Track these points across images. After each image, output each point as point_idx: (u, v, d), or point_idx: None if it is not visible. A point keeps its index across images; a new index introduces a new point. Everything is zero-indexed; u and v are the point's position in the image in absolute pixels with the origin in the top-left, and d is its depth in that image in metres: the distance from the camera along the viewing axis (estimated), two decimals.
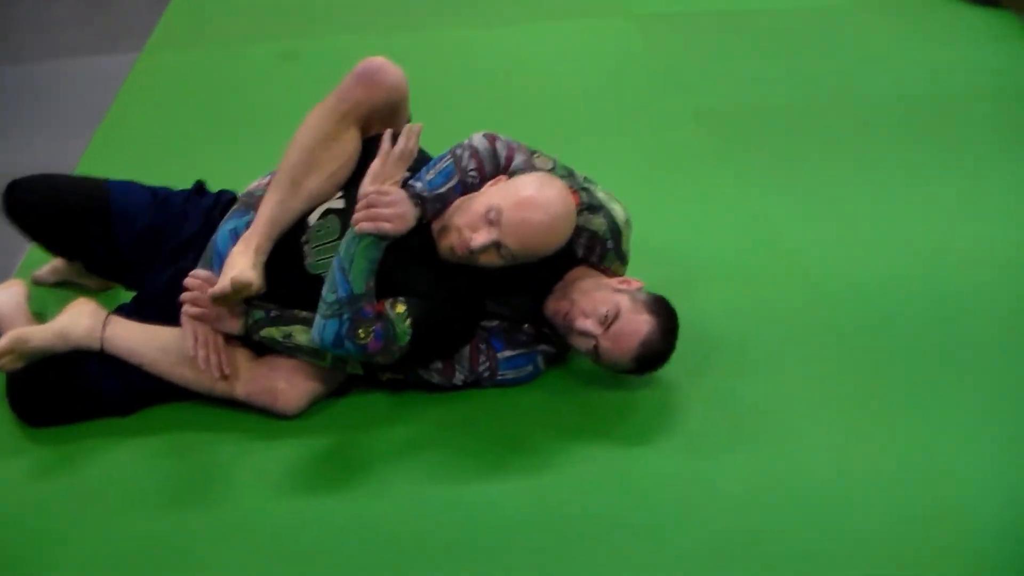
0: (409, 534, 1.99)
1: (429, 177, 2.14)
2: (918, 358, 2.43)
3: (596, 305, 2.15)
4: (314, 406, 2.22)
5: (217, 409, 2.22)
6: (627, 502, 2.06)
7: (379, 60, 2.21)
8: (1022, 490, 2.08)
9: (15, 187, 2.30)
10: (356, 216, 2.03)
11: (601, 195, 2.25)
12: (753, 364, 2.42)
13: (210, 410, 2.22)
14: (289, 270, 2.19)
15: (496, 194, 2.10)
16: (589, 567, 1.93)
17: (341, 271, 2.04)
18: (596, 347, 2.16)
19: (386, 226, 2.02)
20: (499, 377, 2.27)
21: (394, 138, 2.09)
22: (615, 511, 2.04)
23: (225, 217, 2.25)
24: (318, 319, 2.07)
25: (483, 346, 2.26)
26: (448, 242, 2.11)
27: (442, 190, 2.13)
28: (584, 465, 2.15)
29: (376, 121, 2.24)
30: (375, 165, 2.06)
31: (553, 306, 2.22)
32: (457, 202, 2.16)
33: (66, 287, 2.58)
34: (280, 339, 2.14)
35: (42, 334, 2.16)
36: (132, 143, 3.32)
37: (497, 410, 2.26)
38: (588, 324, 2.14)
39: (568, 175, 2.24)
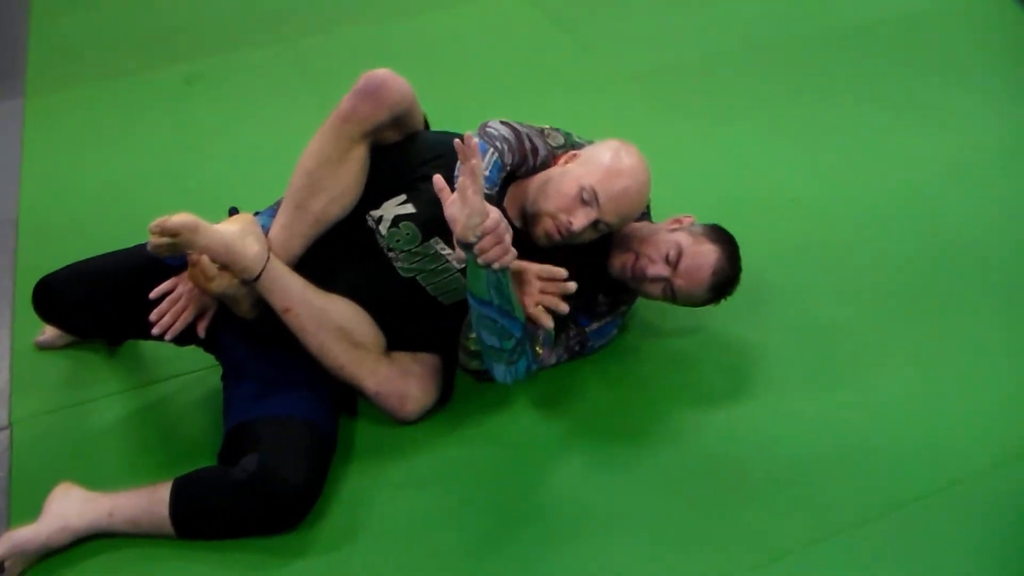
0: None
1: (487, 174, 2.05)
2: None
3: (659, 248, 2.19)
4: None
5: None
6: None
7: (382, 73, 2.07)
8: None
9: (48, 289, 2.12)
10: (490, 255, 1.84)
11: None
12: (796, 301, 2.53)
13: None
14: (386, 278, 2.11)
15: (580, 173, 2.08)
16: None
17: (504, 314, 1.94)
18: (671, 288, 2.19)
19: (513, 249, 1.90)
20: (589, 347, 2.30)
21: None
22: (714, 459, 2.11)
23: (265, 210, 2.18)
24: (502, 368, 2.01)
25: (571, 324, 2.26)
26: (543, 228, 2.09)
27: (498, 184, 2.09)
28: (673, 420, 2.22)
29: (387, 135, 2.15)
30: (474, 201, 1.82)
31: (619, 263, 2.24)
32: (534, 186, 2.13)
33: (76, 346, 2.38)
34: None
35: (209, 236, 1.94)
36: (68, 191, 3.06)
37: (588, 400, 2.28)
38: (658, 269, 2.18)
39: (577, 143, 2.28)
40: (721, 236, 2.25)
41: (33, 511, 1.94)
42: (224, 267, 1.98)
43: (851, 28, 3.89)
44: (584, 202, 2.05)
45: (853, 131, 3.24)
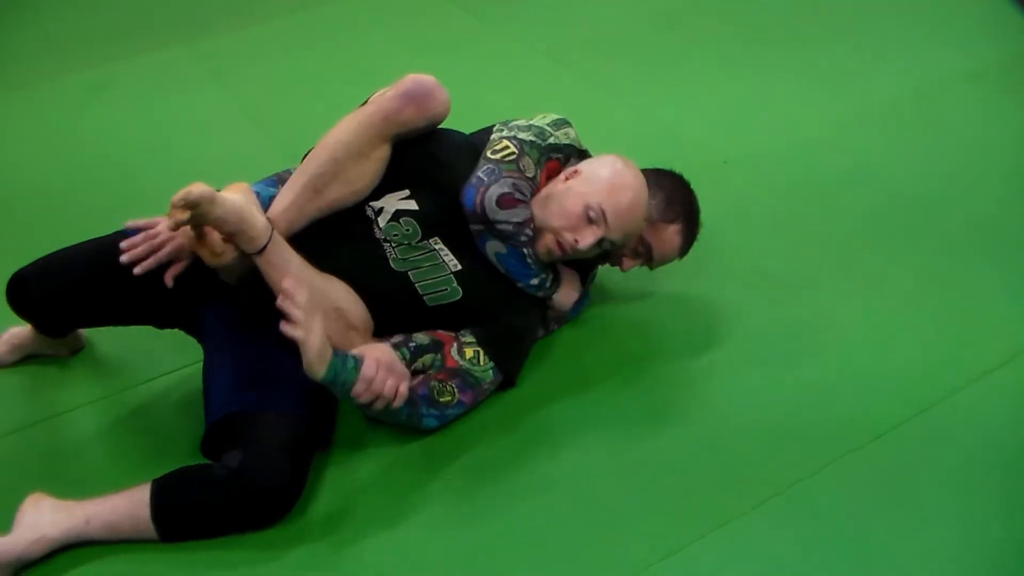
0: None
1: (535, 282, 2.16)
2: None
3: (629, 246, 2.26)
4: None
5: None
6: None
7: (429, 80, 2.07)
8: None
9: (22, 283, 2.05)
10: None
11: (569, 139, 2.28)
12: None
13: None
14: (377, 269, 2.09)
15: (586, 192, 2.10)
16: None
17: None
18: (648, 264, 2.34)
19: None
20: (566, 319, 2.36)
21: None
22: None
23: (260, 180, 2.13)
24: (411, 424, 2.05)
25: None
26: (544, 244, 2.11)
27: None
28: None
29: (407, 135, 2.12)
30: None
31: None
32: (537, 203, 2.13)
33: (28, 363, 2.30)
34: None
35: (224, 205, 1.86)
36: None
37: (564, 365, 2.31)
38: (634, 262, 2.33)
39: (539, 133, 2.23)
40: (676, 210, 2.27)
41: (4, 525, 1.88)
42: (229, 238, 1.93)
43: None
44: (590, 220, 2.08)
45: (766, 91, 3.37)
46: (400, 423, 2.05)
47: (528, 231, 2.09)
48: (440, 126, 2.17)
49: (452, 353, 2.09)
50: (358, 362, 1.92)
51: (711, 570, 1.84)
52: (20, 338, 2.28)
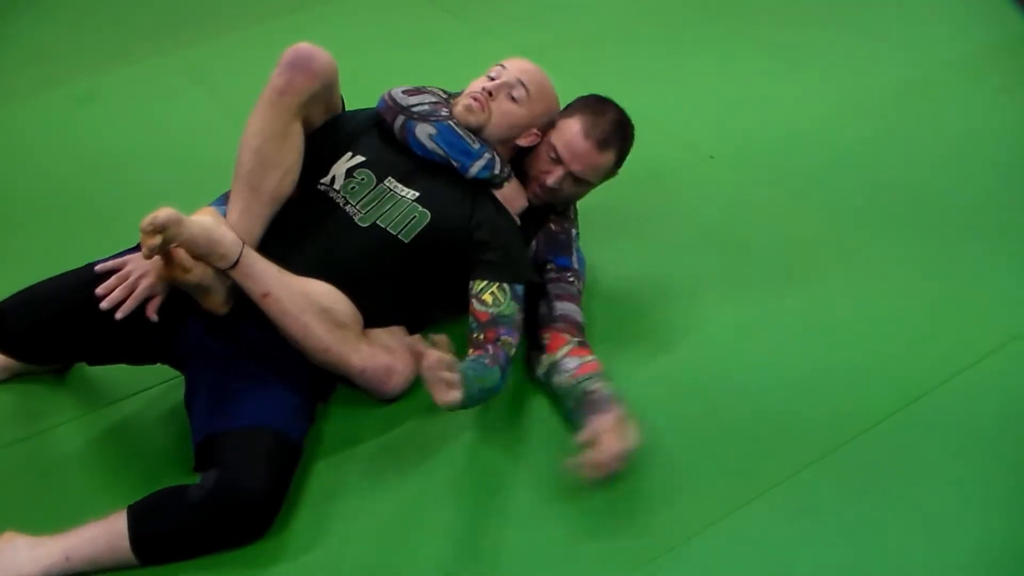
0: None
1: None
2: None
3: (541, 158, 2.30)
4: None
5: None
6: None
7: (306, 45, 2.12)
8: None
9: (1, 316, 2.03)
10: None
11: None
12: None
13: None
14: (348, 234, 2.13)
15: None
16: None
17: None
18: (576, 177, 2.29)
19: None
20: (583, 275, 2.37)
21: None
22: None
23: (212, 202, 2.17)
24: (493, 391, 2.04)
25: (562, 272, 2.32)
26: (459, 102, 2.24)
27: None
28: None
29: (315, 110, 2.18)
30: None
31: (530, 193, 2.33)
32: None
33: (17, 380, 2.28)
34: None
35: (191, 228, 1.91)
36: None
37: None
38: (554, 173, 2.28)
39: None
40: (578, 104, 2.33)
41: None
42: (201, 257, 1.95)
43: None
44: (492, 78, 2.25)
45: (747, 83, 3.37)
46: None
47: (446, 109, 2.23)
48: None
49: (475, 307, 2.13)
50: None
51: (711, 563, 1.86)
52: (6, 359, 2.25)
